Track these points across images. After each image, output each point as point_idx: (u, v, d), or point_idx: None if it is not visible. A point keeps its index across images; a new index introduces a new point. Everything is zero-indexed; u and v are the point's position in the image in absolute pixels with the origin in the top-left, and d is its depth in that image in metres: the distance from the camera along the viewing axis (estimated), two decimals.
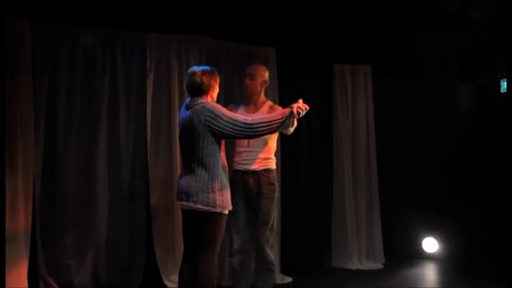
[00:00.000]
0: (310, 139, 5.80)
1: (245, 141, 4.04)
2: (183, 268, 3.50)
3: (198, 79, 3.38)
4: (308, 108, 3.37)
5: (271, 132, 3.42)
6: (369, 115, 6.10)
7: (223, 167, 3.41)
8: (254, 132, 3.34)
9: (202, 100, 3.36)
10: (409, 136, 6.24)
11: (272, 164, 4.20)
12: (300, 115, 3.37)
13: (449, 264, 5.94)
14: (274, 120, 3.32)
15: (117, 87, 4.75)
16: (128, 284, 4.70)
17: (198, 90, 3.38)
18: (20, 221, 4.22)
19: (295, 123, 3.45)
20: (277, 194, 4.19)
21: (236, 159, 4.21)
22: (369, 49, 5.88)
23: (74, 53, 4.59)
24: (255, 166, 4.10)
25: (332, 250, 5.89)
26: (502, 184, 5.32)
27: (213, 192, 3.28)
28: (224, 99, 5.14)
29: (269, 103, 4.27)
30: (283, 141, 5.19)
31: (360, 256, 5.91)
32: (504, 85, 5.37)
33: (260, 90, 4.23)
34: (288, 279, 5.19)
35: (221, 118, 3.27)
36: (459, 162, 5.95)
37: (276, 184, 4.20)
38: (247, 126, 3.29)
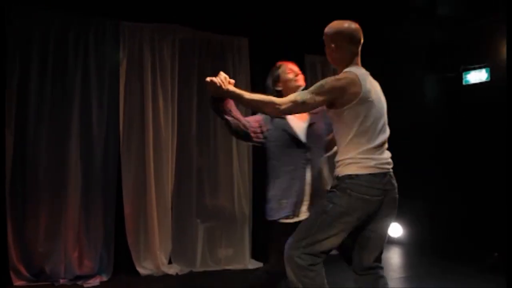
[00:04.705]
0: None
1: None
2: None
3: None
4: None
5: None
6: None
7: (277, 176, 3.11)
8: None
9: None
10: None
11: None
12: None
13: (414, 248, 6.11)
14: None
15: (89, 74, 4.72)
16: (101, 271, 4.68)
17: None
18: None
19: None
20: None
21: None
22: None
23: (46, 38, 4.55)
24: None
25: None
26: (464, 169, 5.56)
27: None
28: (197, 88, 5.18)
29: None
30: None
31: None
32: (466, 77, 5.60)
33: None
34: (259, 265, 5.24)
35: None
36: (422, 149, 6.09)
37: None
38: None
